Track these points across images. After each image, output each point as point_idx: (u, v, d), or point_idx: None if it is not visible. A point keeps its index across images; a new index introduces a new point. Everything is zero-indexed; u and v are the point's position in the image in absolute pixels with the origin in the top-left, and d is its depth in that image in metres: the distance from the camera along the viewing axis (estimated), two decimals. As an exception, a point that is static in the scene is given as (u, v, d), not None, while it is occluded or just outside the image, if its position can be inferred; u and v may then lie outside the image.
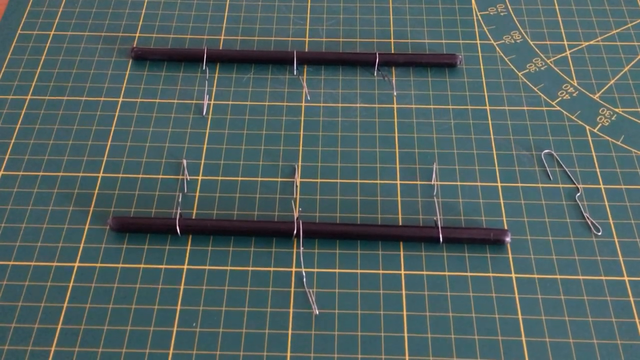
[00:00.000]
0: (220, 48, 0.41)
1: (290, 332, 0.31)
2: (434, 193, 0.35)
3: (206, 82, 0.40)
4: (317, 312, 0.31)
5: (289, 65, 0.40)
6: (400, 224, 0.34)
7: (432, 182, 0.35)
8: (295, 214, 0.34)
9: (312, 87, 0.39)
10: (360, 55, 0.40)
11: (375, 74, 0.40)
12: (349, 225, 0.33)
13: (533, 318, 0.31)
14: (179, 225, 0.33)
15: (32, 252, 0.33)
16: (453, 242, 0.33)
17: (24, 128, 0.37)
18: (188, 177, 0.35)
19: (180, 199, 0.35)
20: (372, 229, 0.33)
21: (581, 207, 0.34)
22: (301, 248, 0.33)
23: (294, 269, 0.33)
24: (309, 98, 0.38)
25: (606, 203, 0.35)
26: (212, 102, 0.39)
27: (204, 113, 0.38)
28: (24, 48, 0.41)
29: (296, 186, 0.35)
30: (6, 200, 0.35)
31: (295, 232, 0.33)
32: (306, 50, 0.41)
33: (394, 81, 0.39)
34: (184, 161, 0.36)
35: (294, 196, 0.35)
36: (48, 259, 0.33)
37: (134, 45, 0.41)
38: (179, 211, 0.33)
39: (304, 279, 0.32)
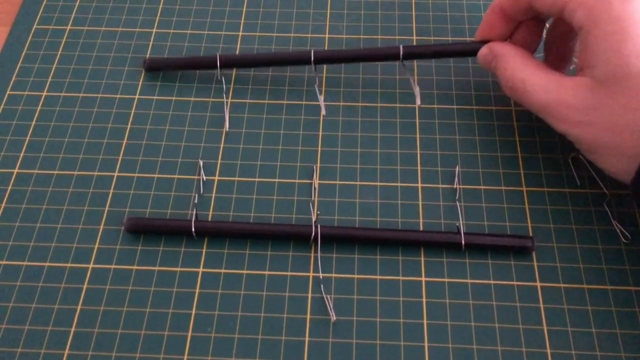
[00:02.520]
0: (238, 45, 0.40)
1: (307, 339, 0.30)
2: (457, 197, 0.34)
3: (224, 94, 0.39)
4: (335, 319, 0.30)
5: (307, 64, 0.38)
6: (422, 228, 0.33)
7: (455, 186, 0.34)
8: (313, 217, 0.33)
9: (331, 86, 0.38)
10: (382, 50, 0.37)
11: (397, 67, 0.38)
12: (368, 230, 0.32)
13: (558, 329, 0.30)
14: (194, 227, 0.32)
15: (47, 253, 0.32)
16: (476, 248, 0.32)
17: (39, 125, 0.37)
18: (204, 178, 0.35)
19: (196, 200, 0.34)
20: (392, 233, 0.32)
21: (609, 213, 0.33)
22: (319, 253, 0.32)
23: (311, 274, 0.32)
24: (324, 113, 0.37)
25: (636, 209, 0.33)
26: (229, 100, 0.38)
27: (227, 128, 0.37)
28: (40, 43, 0.41)
29: (314, 188, 0.34)
30: (21, 199, 0.34)
31: (313, 236, 0.32)
32: (325, 47, 0.40)
33: (415, 81, 0.38)
34: (200, 161, 0.35)
35: (312, 198, 0.34)
36: (62, 260, 0.32)
37: (150, 42, 0.41)
38: (195, 212, 0.33)
39: (322, 285, 0.31)
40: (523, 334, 0.30)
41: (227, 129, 0.37)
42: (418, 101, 0.36)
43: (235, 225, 0.33)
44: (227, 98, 0.38)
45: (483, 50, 0.35)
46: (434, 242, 0.32)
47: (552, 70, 0.31)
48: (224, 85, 0.39)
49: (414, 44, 0.40)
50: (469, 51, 0.35)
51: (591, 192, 0.34)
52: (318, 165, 0.35)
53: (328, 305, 0.31)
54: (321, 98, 0.36)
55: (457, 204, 0.33)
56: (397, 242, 0.32)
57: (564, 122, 0.30)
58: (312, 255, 0.32)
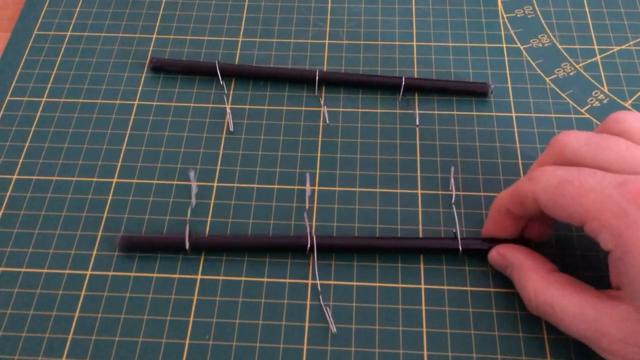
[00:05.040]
0: (238, 51, 0.40)
1: (305, 347, 0.30)
2: (452, 201, 0.33)
3: (224, 96, 0.39)
4: (335, 331, 0.30)
5: (309, 84, 0.39)
6: (421, 235, 0.33)
7: (450, 189, 0.34)
8: (307, 228, 0.33)
9: (330, 92, 0.38)
10: (384, 78, 0.38)
11: (399, 98, 0.38)
12: (360, 239, 0.32)
13: (560, 338, 0.30)
14: (188, 244, 0.32)
15: (45, 259, 0.32)
16: (474, 254, 0.32)
17: (39, 131, 0.37)
18: (196, 189, 0.34)
19: (188, 217, 0.34)
20: (387, 241, 0.32)
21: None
22: (315, 261, 0.32)
23: (310, 282, 0.32)
24: (327, 122, 0.37)
25: (638, 217, 0.33)
26: (228, 105, 0.38)
27: (231, 129, 0.37)
28: (40, 49, 0.41)
29: (308, 197, 0.34)
30: (19, 205, 0.34)
31: (308, 247, 0.32)
32: (325, 53, 0.40)
33: (416, 110, 0.38)
34: (191, 172, 0.33)
35: (306, 207, 0.34)
36: (60, 267, 0.32)
37: (150, 48, 0.41)
38: (187, 228, 0.32)
39: (320, 296, 0.31)
40: (523, 342, 0.30)
41: (232, 130, 0.37)
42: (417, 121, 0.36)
43: (229, 240, 0.32)
44: (227, 103, 0.38)
45: (493, 255, 0.31)
46: (430, 248, 0.32)
47: (581, 286, 0.27)
48: (225, 91, 0.38)
49: (414, 49, 0.40)
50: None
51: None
52: (317, 171, 0.35)
53: (327, 317, 0.30)
54: (324, 108, 0.36)
55: (454, 208, 0.33)
56: (393, 250, 0.32)
57: (608, 353, 0.26)
58: (311, 262, 0.32)
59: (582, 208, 0.25)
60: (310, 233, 0.32)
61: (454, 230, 0.33)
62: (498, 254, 0.31)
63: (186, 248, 0.32)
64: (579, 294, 0.27)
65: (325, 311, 0.30)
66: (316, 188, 0.35)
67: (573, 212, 0.26)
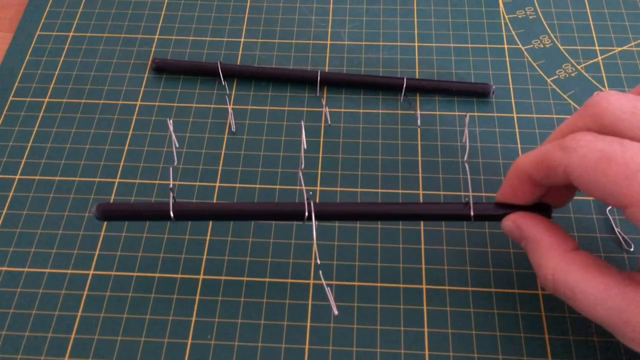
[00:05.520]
0: (240, 52, 0.40)
1: (307, 346, 0.30)
2: (465, 159, 0.31)
3: (226, 96, 0.39)
4: (337, 313, 0.30)
5: (310, 84, 0.39)
6: (423, 236, 0.33)
7: (463, 141, 0.32)
8: (305, 193, 0.32)
9: (332, 93, 0.38)
10: (386, 79, 0.38)
11: (400, 99, 0.38)
12: (365, 205, 0.30)
13: (561, 339, 0.30)
14: (173, 211, 0.29)
15: (47, 259, 0.32)
16: (485, 219, 0.29)
17: (41, 131, 0.37)
18: (177, 144, 0.34)
19: (170, 177, 0.34)
20: (394, 207, 0.30)
21: (612, 221, 0.33)
22: (316, 260, 0.32)
23: (312, 282, 0.32)
24: (329, 123, 0.37)
25: (639, 217, 0.33)
26: (230, 105, 0.38)
27: (233, 129, 0.37)
28: (43, 49, 0.41)
29: (303, 147, 0.33)
30: (22, 205, 0.34)
31: (306, 215, 0.29)
32: (327, 54, 0.40)
33: (418, 110, 0.38)
34: (170, 122, 0.30)
35: (301, 166, 0.34)
36: (63, 266, 0.32)
37: (153, 49, 0.41)
38: (171, 195, 0.30)
39: (320, 272, 0.31)
40: (524, 343, 0.30)
41: (234, 130, 0.37)
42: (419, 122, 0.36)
43: (216, 207, 0.30)
44: (229, 103, 0.38)
45: (508, 224, 0.28)
46: (440, 215, 0.30)
47: (605, 268, 0.25)
48: (227, 91, 0.39)
49: (416, 50, 0.40)
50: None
51: (593, 199, 0.34)
52: (319, 171, 0.35)
53: (329, 297, 0.30)
54: (325, 109, 0.36)
55: (467, 166, 0.30)
56: (397, 216, 0.30)
57: (633, 343, 0.24)
58: (313, 262, 0.32)
59: (626, 191, 0.23)
60: (307, 199, 0.29)
61: (467, 199, 0.29)
62: (514, 224, 0.28)
63: (170, 216, 0.29)
64: (602, 277, 0.24)
65: (327, 291, 0.30)
66: (318, 188, 0.35)
67: (613, 193, 0.23)
